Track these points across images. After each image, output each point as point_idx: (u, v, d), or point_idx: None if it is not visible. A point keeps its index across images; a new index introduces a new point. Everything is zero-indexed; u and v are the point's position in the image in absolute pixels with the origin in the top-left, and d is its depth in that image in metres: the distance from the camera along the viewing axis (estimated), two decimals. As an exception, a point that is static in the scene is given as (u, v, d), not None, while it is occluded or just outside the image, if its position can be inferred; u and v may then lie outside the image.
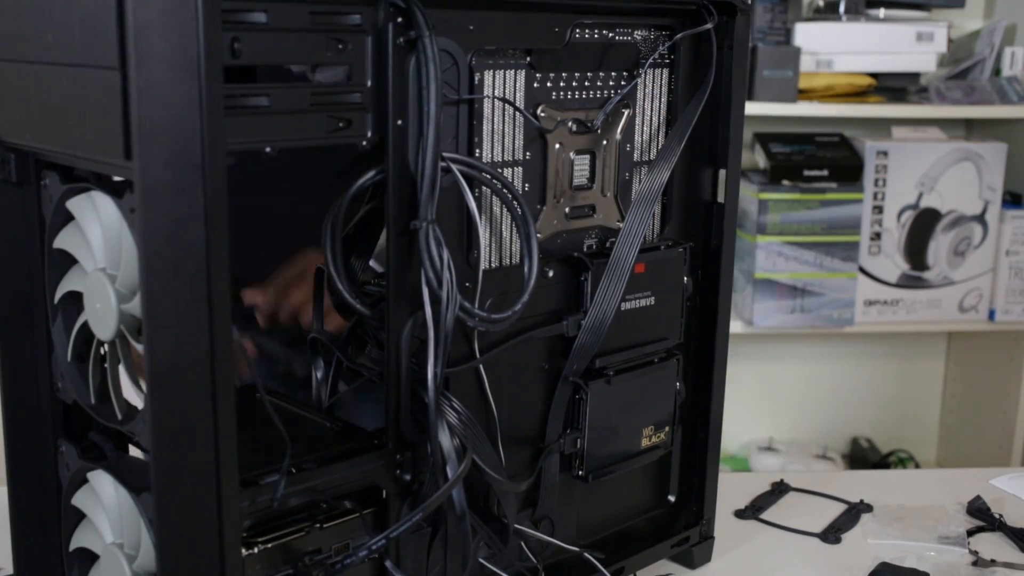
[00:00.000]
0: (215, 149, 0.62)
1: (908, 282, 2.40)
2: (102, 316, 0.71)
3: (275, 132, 0.69)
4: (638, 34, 0.94)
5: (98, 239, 0.72)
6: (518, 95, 0.86)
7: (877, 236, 2.36)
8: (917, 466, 2.72)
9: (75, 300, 0.76)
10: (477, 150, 0.84)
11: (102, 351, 0.76)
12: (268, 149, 0.69)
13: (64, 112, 0.68)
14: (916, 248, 2.40)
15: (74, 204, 0.74)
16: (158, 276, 0.62)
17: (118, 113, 0.61)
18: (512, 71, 0.85)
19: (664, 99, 0.98)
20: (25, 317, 0.80)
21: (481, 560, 0.90)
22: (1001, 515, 1.22)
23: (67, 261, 0.76)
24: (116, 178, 0.71)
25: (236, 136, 0.66)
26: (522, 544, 0.94)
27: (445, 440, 0.81)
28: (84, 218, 0.73)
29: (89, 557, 0.80)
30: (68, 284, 0.76)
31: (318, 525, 0.80)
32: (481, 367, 0.88)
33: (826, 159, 2.33)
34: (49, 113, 0.70)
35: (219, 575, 0.69)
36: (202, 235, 0.63)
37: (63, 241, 0.76)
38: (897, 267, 2.38)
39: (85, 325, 0.75)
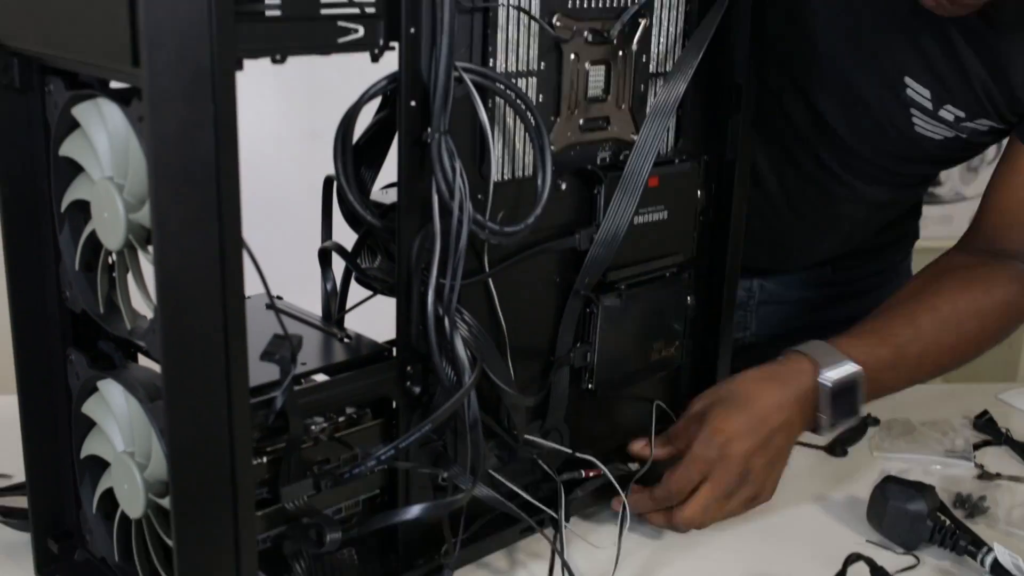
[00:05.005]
0: (225, 56, 0.61)
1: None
2: (110, 225, 0.71)
3: (285, 39, 0.68)
4: (656, -60, 0.92)
5: (105, 147, 0.71)
6: (533, 3, 0.84)
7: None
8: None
9: (82, 209, 0.75)
10: (491, 60, 0.82)
11: (110, 260, 0.76)
12: (278, 57, 0.68)
13: (69, 16, 0.66)
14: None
15: (79, 111, 0.73)
16: (167, 186, 0.61)
17: (125, 18, 0.59)
18: (527, -22, 0.83)
19: (682, 10, 0.95)
20: (32, 225, 0.80)
21: (491, 471, 0.90)
22: (1008, 429, 1.22)
23: (73, 169, 0.75)
24: (121, 84, 0.69)
25: (246, 43, 0.65)
26: (535, 457, 0.94)
27: (456, 352, 0.81)
28: (90, 126, 0.72)
29: (100, 465, 0.80)
30: (74, 193, 0.75)
31: (328, 436, 0.80)
32: (492, 280, 0.87)
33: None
34: (53, 17, 0.68)
35: (230, 483, 0.69)
36: (212, 143, 0.62)
37: (69, 149, 0.75)
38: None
39: (93, 234, 0.74)
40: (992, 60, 1.02)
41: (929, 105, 1.08)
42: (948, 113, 1.08)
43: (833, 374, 1.01)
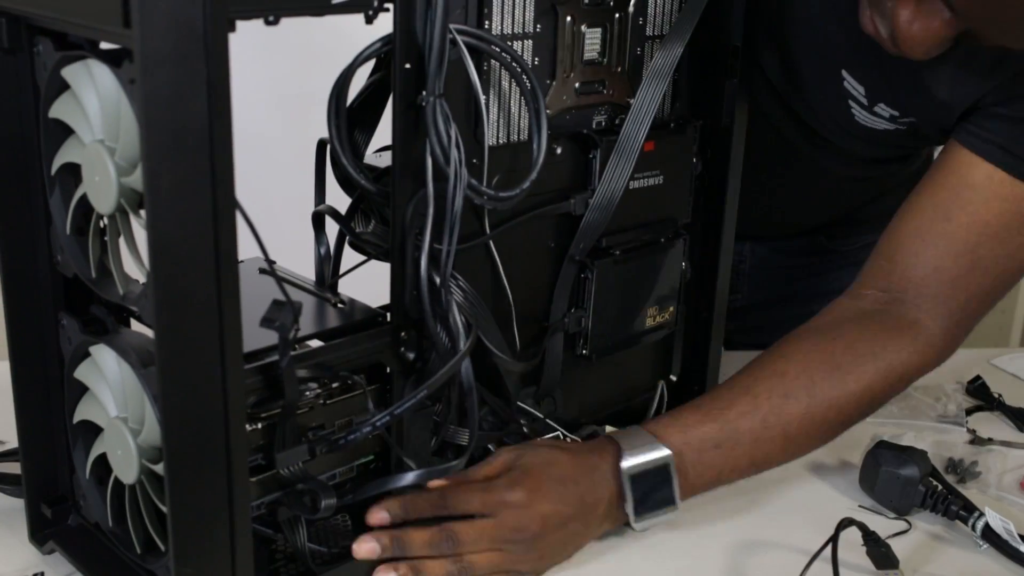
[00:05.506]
0: (218, 17, 0.60)
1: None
2: (101, 189, 0.70)
3: (278, 0, 0.67)
4: (653, -100, 0.91)
5: (95, 110, 0.70)
6: (529, -36, 0.83)
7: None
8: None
9: (73, 172, 0.75)
10: (487, 22, 0.81)
11: (101, 224, 0.75)
12: (271, 18, 0.67)
13: (57, -25, 0.65)
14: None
15: (69, 72, 0.71)
16: (159, 149, 0.61)
17: (115, -22, 0.59)
18: (523, -62, 0.82)
19: (678, -30, 0.94)
20: (22, 188, 0.79)
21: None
22: (1000, 395, 1.22)
23: (63, 131, 0.74)
24: (112, 45, 0.68)
25: (238, 4, 0.63)
26: (527, 424, 0.94)
27: (451, 318, 0.81)
28: (80, 87, 0.71)
29: (93, 430, 0.80)
30: (65, 155, 0.75)
31: (322, 401, 0.80)
32: (486, 245, 0.86)
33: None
34: (41, -24, 0.67)
35: (224, 449, 0.69)
36: (204, 106, 0.61)
37: (59, 111, 0.74)
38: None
39: (84, 197, 0.73)
40: (916, 67, 0.97)
41: (864, 100, 1.04)
42: (883, 110, 1.04)
43: (636, 460, 0.90)
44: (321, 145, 0.86)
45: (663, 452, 0.91)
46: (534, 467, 0.87)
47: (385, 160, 0.84)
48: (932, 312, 1.00)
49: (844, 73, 1.03)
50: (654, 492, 0.90)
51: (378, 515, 0.83)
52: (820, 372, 0.96)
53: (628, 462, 0.90)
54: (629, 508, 0.90)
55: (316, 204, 0.90)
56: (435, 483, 0.85)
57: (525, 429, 0.94)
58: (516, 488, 0.85)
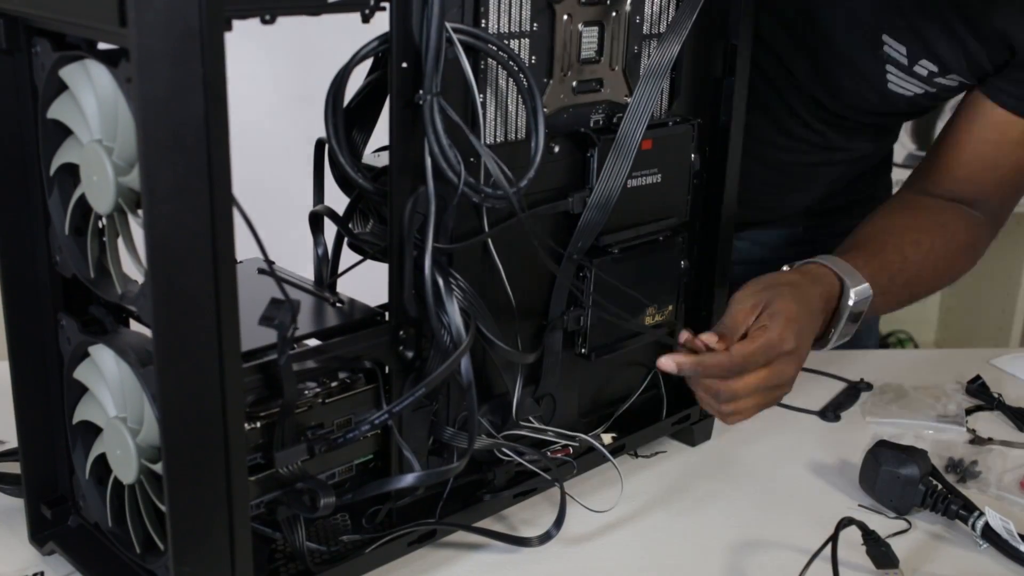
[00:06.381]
0: (213, 15, 0.60)
1: (914, 162, 2.38)
2: (99, 189, 0.70)
3: (275, -2, 0.67)
4: (650, -101, 0.91)
5: (93, 110, 0.70)
6: (525, -37, 0.83)
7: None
8: (916, 347, 2.74)
9: (71, 172, 0.75)
10: (483, 20, 0.81)
11: (100, 224, 0.75)
12: (268, 17, 0.67)
13: (54, -25, 0.66)
14: (923, 128, 2.36)
15: (67, 73, 0.72)
16: (157, 148, 0.61)
17: (111, -23, 0.59)
18: (520, -63, 0.82)
19: (675, -31, 0.94)
20: (21, 189, 0.79)
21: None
22: (1000, 394, 1.22)
23: (62, 132, 0.74)
24: (109, 45, 0.69)
25: (234, 3, 0.64)
26: (530, 419, 0.94)
27: (449, 316, 0.81)
28: (78, 87, 0.71)
29: (93, 430, 0.80)
30: (63, 156, 0.75)
31: (321, 400, 0.80)
32: (487, 243, 0.87)
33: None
34: (38, -24, 0.68)
35: (222, 448, 0.69)
36: (201, 105, 0.61)
37: (57, 111, 0.74)
38: (903, 147, 2.35)
39: (82, 198, 0.74)
40: (963, 8, 1.04)
41: (904, 61, 1.10)
42: (922, 68, 1.11)
43: (857, 293, 1.03)
44: (319, 145, 0.87)
45: (871, 292, 1.04)
46: (789, 306, 0.97)
47: (384, 160, 0.84)
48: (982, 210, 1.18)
49: (885, 37, 1.10)
50: (853, 321, 1.05)
51: (667, 364, 0.94)
52: (941, 251, 1.14)
53: (852, 299, 1.03)
54: (837, 330, 1.04)
55: (315, 204, 0.90)
56: (708, 339, 0.96)
57: (532, 419, 0.94)
58: (787, 335, 0.95)
